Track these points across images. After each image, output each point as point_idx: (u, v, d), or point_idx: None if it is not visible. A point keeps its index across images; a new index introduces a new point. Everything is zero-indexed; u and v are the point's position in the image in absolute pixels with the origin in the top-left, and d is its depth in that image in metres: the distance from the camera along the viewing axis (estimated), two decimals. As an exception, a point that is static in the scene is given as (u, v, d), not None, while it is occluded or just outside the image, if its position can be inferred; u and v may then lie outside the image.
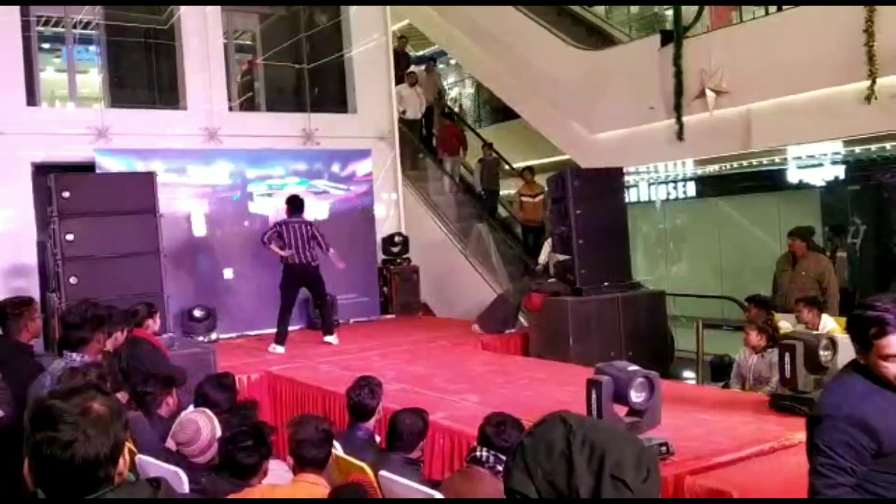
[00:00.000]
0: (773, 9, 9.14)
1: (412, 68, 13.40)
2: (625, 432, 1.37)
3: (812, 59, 8.06)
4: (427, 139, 13.69)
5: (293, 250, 8.15)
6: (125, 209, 7.50)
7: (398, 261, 10.85)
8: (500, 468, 3.48)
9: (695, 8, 9.99)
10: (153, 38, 11.19)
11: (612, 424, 1.40)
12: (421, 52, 17.70)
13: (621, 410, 3.91)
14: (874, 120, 7.88)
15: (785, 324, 6.71)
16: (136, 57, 11.65)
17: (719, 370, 8.66)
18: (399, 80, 12.61)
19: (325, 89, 11.92)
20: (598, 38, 12.32)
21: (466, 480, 3.50)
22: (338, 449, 3.74)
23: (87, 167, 9.00)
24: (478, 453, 3.53)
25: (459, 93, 18.54)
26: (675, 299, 10.78)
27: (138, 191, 7.65)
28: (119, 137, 9.46)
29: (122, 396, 4.84)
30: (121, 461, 1.66)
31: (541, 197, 11.31)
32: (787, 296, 7.66)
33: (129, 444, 3.83)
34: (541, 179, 11.26)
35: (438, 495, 3.23)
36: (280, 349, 8.22)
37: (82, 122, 9.48)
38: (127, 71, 11.66)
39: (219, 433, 3.73)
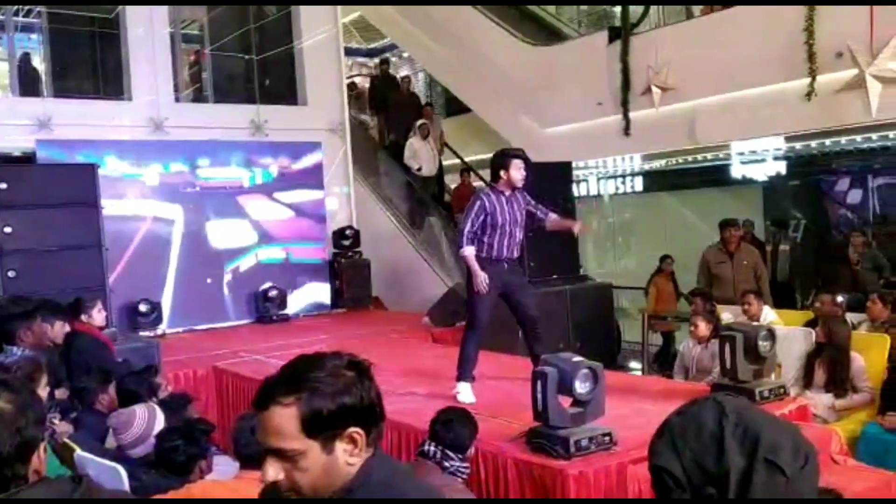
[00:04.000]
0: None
1: (422, 121, 11.91)
2: (781, 420, 1.34)
3: (755, 57, 8.23)
4: (439, 195, 12.47)
5: (500, 239, 5.32)
6: (66, 201, 7.36)
7: (349, 254, 10.81)
8: (446, 464, 3.52)
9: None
10: (98, 27, 10.92)
11: (767, 412, 1.36)
12: (373, 45, 17.70)
13: (566, 401, 3.98)
14: (814, 116, 8.08)
15: (727, 315, 6.86)
16: (79, 46, 11.34)
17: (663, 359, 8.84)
18: (407, 131, 11.86)
19: (275, 81, 11.78)
20: (548, 34, 12.39)
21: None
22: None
23: (30, 158, 8.78)
24: (426, 447, 3.58)
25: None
26: (623, 292, 10.95)
27: (80, 182, 7.52)
28: (62, 128, 9.21)
29: (62, 392, 4.75)
30: (35, 459, 1.62)
31: None
32: (734, 287, 7.66)
33: (67, 441, 3.78)
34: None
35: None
36: (468, 390, 5.25)
37: (23, 111, 9.22)
38: (70, 60, 11.35)
39: (159, 427, 3.68)
